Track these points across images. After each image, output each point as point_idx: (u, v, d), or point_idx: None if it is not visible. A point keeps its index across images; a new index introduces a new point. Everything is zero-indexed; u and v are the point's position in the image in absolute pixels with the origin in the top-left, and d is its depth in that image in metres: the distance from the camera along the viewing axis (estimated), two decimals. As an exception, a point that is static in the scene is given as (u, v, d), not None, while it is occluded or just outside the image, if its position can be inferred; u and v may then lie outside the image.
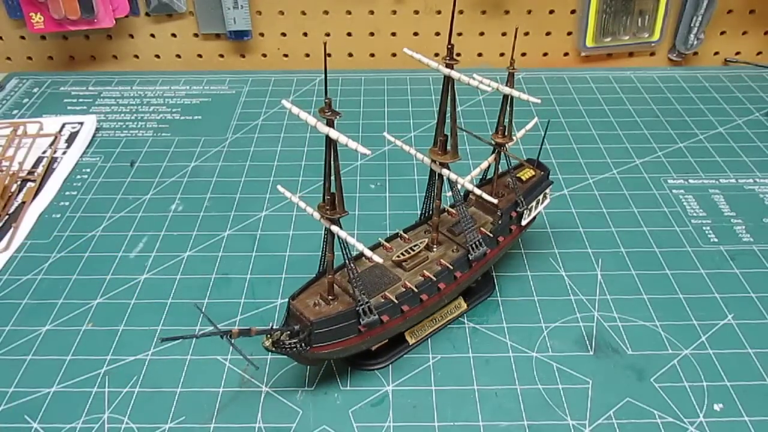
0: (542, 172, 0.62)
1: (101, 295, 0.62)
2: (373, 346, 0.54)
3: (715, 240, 0.69)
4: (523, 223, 0.60)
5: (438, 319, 0.58)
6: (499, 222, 0.57)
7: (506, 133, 0.57)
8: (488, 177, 0.61)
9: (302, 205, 0.48)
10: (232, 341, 0.45)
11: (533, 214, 0.61)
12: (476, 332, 0.58)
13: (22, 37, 1.05)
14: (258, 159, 0.82)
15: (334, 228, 0.47)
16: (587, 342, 0.57)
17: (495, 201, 0.54)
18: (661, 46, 1.05)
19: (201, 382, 0.54)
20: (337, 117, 0.43)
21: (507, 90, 0.53)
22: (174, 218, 0.72)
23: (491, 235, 0.57)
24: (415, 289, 0.52)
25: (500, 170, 0.60)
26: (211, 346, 0.57)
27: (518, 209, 0.58)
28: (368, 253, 0.47)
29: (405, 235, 0.57)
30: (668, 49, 1.05)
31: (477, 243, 0.55)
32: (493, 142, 0.57)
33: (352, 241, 0.47)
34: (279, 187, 0.50)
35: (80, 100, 0.97)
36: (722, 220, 0.71)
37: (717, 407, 0.52)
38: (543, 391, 0.53)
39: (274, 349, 0.48)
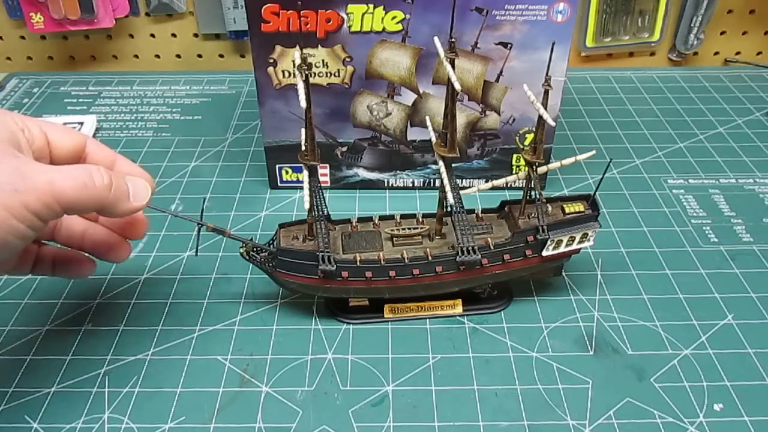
0: (591, 211, 0.57)
1: (101, 295, 0.62)
2: (343, 297, 0.58)
3: (715, 240, 0.69)
4: (545, 253, 0.56)
5: (425, 309, 0.59)
6: (509, 240, 0.56)
7: (536, 151, 0.54)
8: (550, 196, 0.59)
9: (303, 136, 0.53)
10: (201, 231, 0.51)
11: (561, 249, 0.57)
12: (476, 332, 0.58)
13: (22, 37, 1.05)
14: (258, 159, 0.82)
15: (304, 173, 0.52)
16: (587, 342, 0.57)
17: (451, 201, 0.52)
18: (661, 46, 1.05)
19: (201, 382, 0.54)
20: (310, 74, 0.49)
21: (539, 107, 0.52)
22: (174, 218, 0.72)
23: (492, 248, 0.55)
24: (383, 262, 0.54)
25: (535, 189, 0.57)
26: (211, 346, 0.57)
27: (538, 236, 0.55)
28: (306, 200, 0.51)
29: (420, 219, 0.59)
30: (668, 49, 1.05)
31: (470, 248, 0.54)
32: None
33: (305, 188, 0.52)
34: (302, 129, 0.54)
35: (80, 100, 0.97)
36: (722, 220, 0.71)
37: (717, 407, 0.52)
38: (543, 391, 0.53)
39: (247, 258, 0.56)
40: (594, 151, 0.56)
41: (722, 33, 1.05)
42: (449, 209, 0.55)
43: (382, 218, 0.59)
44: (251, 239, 0.56)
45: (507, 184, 0.60)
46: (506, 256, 0.56)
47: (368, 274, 0.54)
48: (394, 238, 0.57)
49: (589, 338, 0.57)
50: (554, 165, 0.57)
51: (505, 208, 0.59)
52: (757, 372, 0.54)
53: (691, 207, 0.73)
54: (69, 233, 0.51)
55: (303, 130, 0.53)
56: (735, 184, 0.77)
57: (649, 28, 1.02)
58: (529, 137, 0.74)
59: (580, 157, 0.55)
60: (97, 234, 0.51)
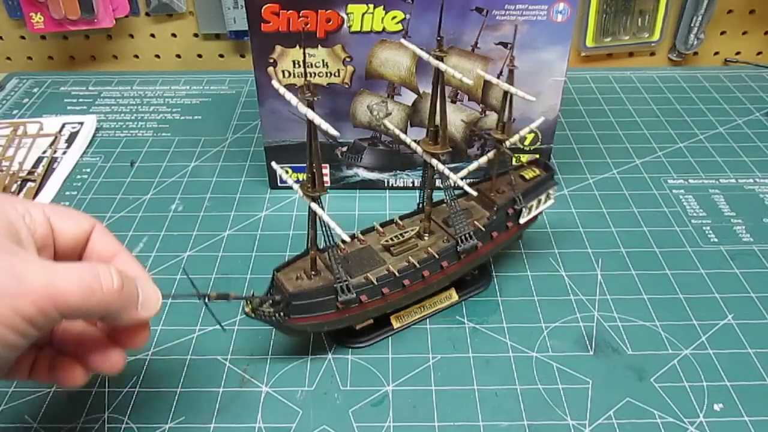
0: (547, 173, 0.62)
1: (101, 295, 0.62)
2: (355, 324, 0.55)
3: (715, 240, 0.69)
4: (522, 221, 0.60)
5: (426, 307, 0.59)
6: (494, 217, 0.58)
7: (505, 130, 0.57)
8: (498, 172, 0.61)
9: (290, 182, 0.51)
10: (208, 303, 0.46)
11: (533, 213, 0.61)
12: (476, 332, 0.58)
13: (22, 37, 1.05)
14: (258, 159, 0.82)
15: (313, 205, 0.49)
16: (587, 342, 0.57)
17: (475, 193, 0.53)
18: (661, 46, 1.05)
19: (201, 382, 0.54)
20: (316, 98, 0.45)
21: (506, 86, 0.54)
22: (174, 218, 0.72)
23: (483, 229, 0.57)
24: (397, 274, 0.53)
25: (504, 167, 0.60)
26: (211, 346, 0.57)
27: (515, 206, 0.59)
28: (338, 230, 0.47)
29: (400, 222, 0.58)
30: (668, 49, 1.05)
31: (467, 235, 0.56)
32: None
33: (326, 218, 0.48)
34: (273, 163, 0.51)
35: (80, 100, 0.97)
36: (722, 220, 0.71)
37: (717, 407, 0.52)
38: (543, 391, 0.53)
39: (253, 315, 0.50)
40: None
41: (722, 33, 1.05)
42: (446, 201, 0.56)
43: (363, 233, 0.58)
44: (253, 293, 0.52)
45: (480, 167, 0.61)
46: (494, 234, 0.58)
47: (385, 290, 0.53)
48: (391, 248, 0.55)
49: (589, 338, 0.57)
50: (515, 138, 0.58)
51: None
52: (757, 372, 0.54)
53: (691, 207, 0.73)
54: (64, 336, 0.45)
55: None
56: (735, 184, 0.77)
57: (649, 28, 1.02)
58: (530, 137, 0.74)
59: (533, 125, 0.60)
60: (91, 339, 0.44)
